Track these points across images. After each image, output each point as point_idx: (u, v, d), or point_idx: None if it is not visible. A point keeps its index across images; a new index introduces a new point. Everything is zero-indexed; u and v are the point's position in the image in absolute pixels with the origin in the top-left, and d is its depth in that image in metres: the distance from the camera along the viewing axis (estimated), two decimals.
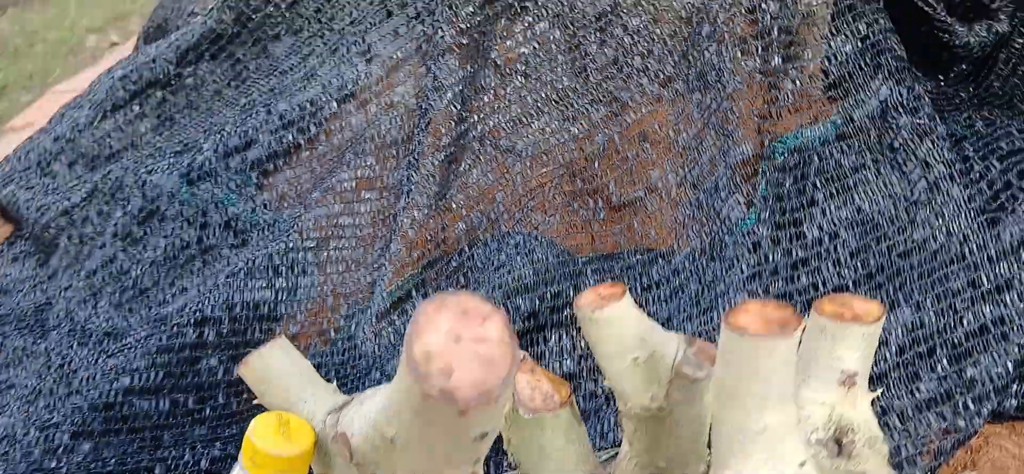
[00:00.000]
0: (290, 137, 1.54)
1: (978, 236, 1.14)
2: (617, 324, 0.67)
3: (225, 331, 1.28)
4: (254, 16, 1.71)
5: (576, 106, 1.41)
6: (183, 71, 1.73)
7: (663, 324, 0.78)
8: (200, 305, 1.30)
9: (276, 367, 0.69)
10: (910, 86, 1.25)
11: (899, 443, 1.09)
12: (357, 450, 0.61)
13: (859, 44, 1.33)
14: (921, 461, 1.07)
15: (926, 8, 1.45)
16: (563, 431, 0.78)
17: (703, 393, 0.69)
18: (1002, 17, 1.52)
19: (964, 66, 1.59)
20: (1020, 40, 1.53)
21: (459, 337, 0.46)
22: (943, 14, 1.45)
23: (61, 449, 1.15)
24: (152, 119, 1.75)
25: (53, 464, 1.15)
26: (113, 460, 1.13)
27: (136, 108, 1.75)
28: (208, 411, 1.20)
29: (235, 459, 0.67)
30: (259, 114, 1.56)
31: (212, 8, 1.72)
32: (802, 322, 0.56)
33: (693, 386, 0.68)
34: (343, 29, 1.63)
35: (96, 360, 1.28)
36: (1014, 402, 1.12)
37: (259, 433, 0.65)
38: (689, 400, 0.69)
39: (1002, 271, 1.12)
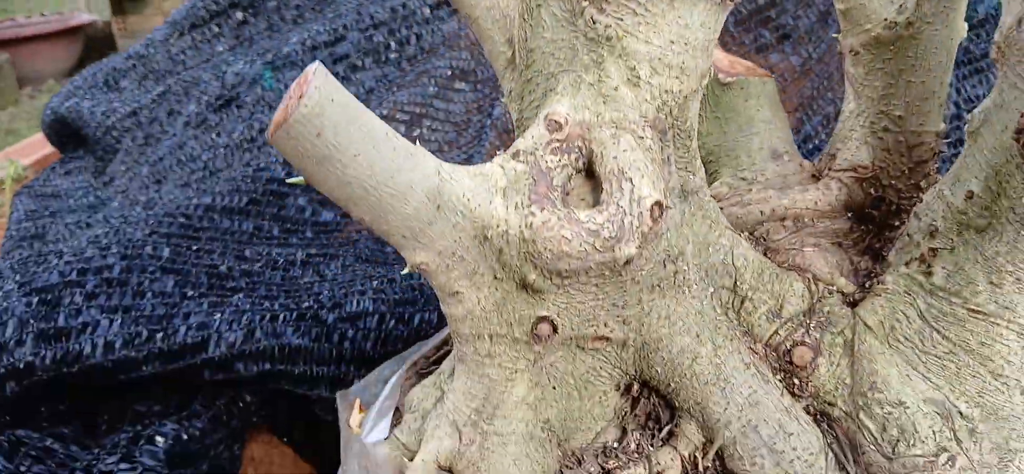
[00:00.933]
0: (380, 37, 1.48)
1: None
2: None
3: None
4: None
5: None
6: (194, 34, 1.71)
7: None
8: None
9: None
10: None
11: None
12: None
13: None
14: None
15: None
16: (769, 102, 0.67)
17: (959, 5, 0.59)
18: None
19: None
20: None
21: None
22: None
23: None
24: (230, 40, 1.71)
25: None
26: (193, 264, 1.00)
27: (214, 27, 1.71)
28: (295, 240, 1.08)
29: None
30: (349, 15, 1.51)
31: None
32: None
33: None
34: None
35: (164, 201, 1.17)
36: None
37: None
38: (942, 16, 0.60)
39: None
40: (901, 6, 0.60)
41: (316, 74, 0.43)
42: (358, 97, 1.46)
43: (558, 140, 0.51)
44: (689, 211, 0.56)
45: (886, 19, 0.60)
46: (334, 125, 0.43)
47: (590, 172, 0.51)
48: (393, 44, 1.49)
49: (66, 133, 1.76)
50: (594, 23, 0.50)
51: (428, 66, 1.39)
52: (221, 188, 1.10)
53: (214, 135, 1.44)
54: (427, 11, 1.51)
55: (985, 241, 0.51)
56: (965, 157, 0.52)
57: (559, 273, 0.50)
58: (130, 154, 1.55)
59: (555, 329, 0.53)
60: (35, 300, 0.82)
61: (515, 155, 0.51)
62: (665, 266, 0.53)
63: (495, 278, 0.51)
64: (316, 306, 0.86)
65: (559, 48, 0.53)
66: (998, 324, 0.50)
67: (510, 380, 0.54)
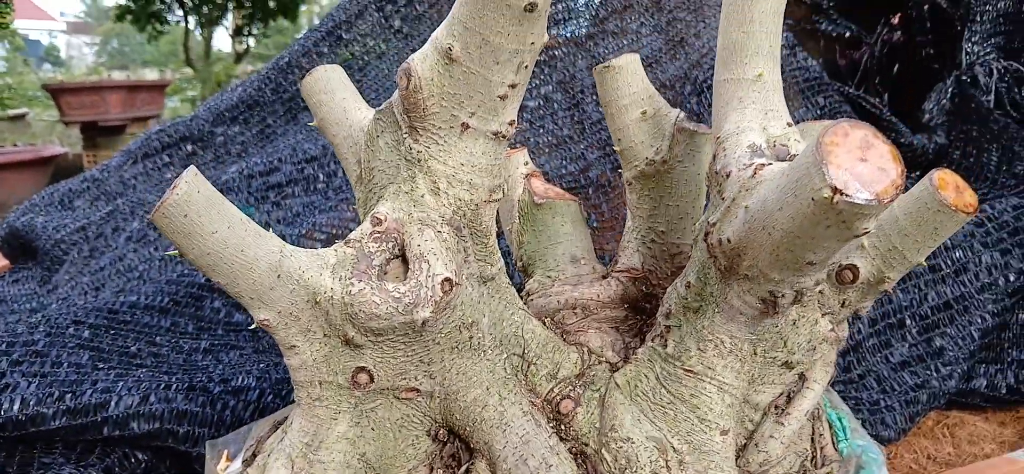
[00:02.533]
0: (310, 170, 1.68)
1: None
2: (628, 73, 0.79)
3: None
4: (290, 89, 1.92)
5: (574, 150, 1.59)
6: (215, 129, 1.91)
7: None
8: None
9: (335, 80, 0.79)
10: None
11: (877, 398, 1.13)
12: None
13: (818, 112, 1.55)
14: (899, 409, 1.10)
15: (872, 109, 1.69)
16: (572, 219, 0.86)
17: (702, 147, 0.79)
18: (940, 132, 1.77)
19: (917, 173, 1.81)
20: (957, 152, 1.76)
21: None
22: (888, 114, 1.69)
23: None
24: (178, 168, 1.89)
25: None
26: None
27: (165, 158, 1.90)
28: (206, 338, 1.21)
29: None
30: (285, 149, 1.71)
31: (252, 79, 1.94)
32: None
33: (693, 140, 0.79)
34: (371, 99, 1.84)
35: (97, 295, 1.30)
36: (983, 382, 1.18)
37: None
38: (690, 155, 0.79)
39: (957, 256, 1.23)
40: (658, 149, 0.79)
41: (189, 173, 0.60)
42: (285, 219, 1.63)
43: (379, 232, 0.68)
44: (487, 292, 0.73)
45: (647, 158, 0.80)
46: (197, 210, 0.60)
47: (403, 257, 0.68)
48: (321, 175, 1.69)
49: (19, 246, 1.89)
50: (410, 149, 0.68)
51: (348, 195, 1.58)
52: (147, 290, 1.24)
53: (152, 249, 1.59)
54: None
55: (697, 319, 0.68)
56: (691, 257, 0.70)
57: (372, 331, 0.65)
58: (74, 264, 1.68)
59: (372, 378, 0.68)
60: None
61: (346, 242, 0.68)
62: (462, 332, 0.69)
63: (324, 335, 0.67)
64: (206, 381, 0.99)
65: (389, 166, 0.71)
66: (704, 380, 0.67)
67: (334, 419, 0.69)
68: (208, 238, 0.61)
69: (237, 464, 0.73)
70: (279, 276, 0.64)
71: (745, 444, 0.70)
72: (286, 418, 0.82)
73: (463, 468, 0.71)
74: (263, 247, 0.64)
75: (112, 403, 0.93)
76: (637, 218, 0.82)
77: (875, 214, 0.51)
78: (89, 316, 1.15)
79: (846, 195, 0.49)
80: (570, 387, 0.72)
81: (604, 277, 0.83)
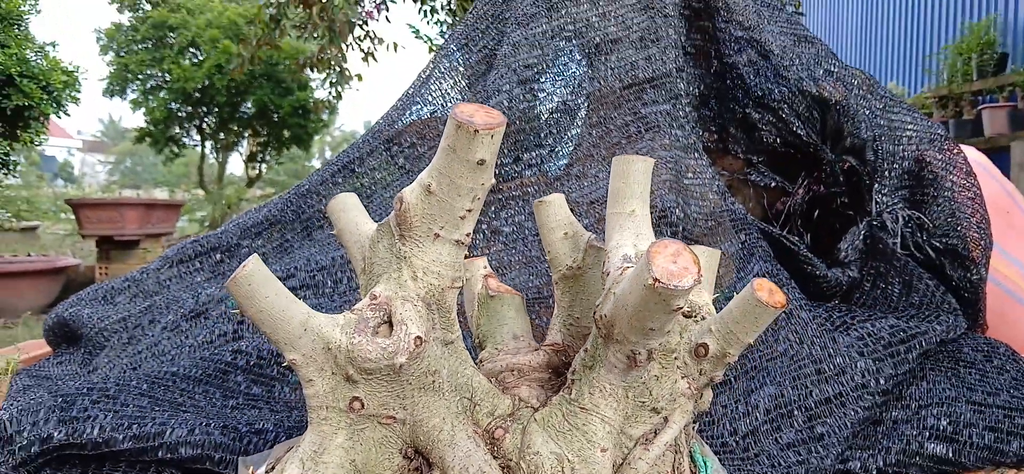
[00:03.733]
0: (321, 277, 2.01)
1: (821, 341, 1.58)
2: (555, 206, 1.13)
3: (252, 363, 1.62)
4: (308, 211, 2.28)
5: (540, 268, 1.92)
6: (242, 242, 2.25)
7: None
8: (234, 345, 1.65)
9: (351, 203, 1.12)
10: (770, 261, 1.79)
11: (765, 472, 1.41)
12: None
13: (739, 246, 1.89)
14: None
15: (791, 246, 2.04)
16: (515, 308, 1.17)
17: (603, 262, 1.12)
18: (853, 267, 2.10)
19: (837, 301, 2.13)
20: (867, 283, 2.09)
21: None
22: (804, 251, 2.03)
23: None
24: (207, 273, 2.22)
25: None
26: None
27: (197, 264, 2.23)
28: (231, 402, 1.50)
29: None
30: (301, 259, 2.05)
31: (276, 202, 2.30)
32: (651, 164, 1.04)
33: (598, 254, 1.12)
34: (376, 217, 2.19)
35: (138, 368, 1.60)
36: (858, 464, 1.46)
37: None
38: (596, 265, 1.12)
39: (838, 362, 1.54)
40: (574, 259, 1.12)
41: (253, 258, 0.93)
42: None
43: (374, 304, 0.99)
44: (447, 352, 1.03)
45: (568, 265, 1.12)
46: (257, 282, 0.92)
47: (390, 323, 0.99)
48: (329, 282, 2.01)
49: (62, 334, 2.19)
50: (399, 250, 1.01)
51: (351, 299, 1.90)
52: (184, 363, 1.54)
53: (184, 337, 1.89)
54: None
55: (590, 373, 0.98)
56: (590, 333, 1.01)
57: (365, 371, 0.95)
58: (114, 349, 1.98)
59: (363, 405, 0.97)
60: (59, 399, 1.23)
61: (352, 311, 0.99)
62: (428, 377, 1.00)
63: (332, 373, 0.97)
64: (235, 424, 1.27)
65: (384, 261, 1.03)
66: (591, 414, 0.97)
67: (334, 433, 0.98)
68: (261, 300, 0.93)
69: (261, 471, 1.02)
70: (305, 329, 0.95)
71: (621, 464, 0.99)
72: (298, 445, 1.11)
73: None
74: (296, 310, 0.95)
75: (166, 433, 1.21)
76: (561, 308, 1.14)
77: (681, 296, 0.83)
78: (143, 380, 1.44)
79: (661, 282, 0.81)
80: (503, 421, 1.01)
81: (536, 349, 1.14)
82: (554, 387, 1.10)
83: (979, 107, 6.91)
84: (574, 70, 2.20)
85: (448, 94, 2.33)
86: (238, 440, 1.25)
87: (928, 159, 2.15)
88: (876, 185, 2.22)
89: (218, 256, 2.24)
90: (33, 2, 4.67)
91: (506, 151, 2.11)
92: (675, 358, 1.02)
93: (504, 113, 2.07)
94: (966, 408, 1.53)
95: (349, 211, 1.13)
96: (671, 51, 2.14)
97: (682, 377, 1.03)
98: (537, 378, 1.10)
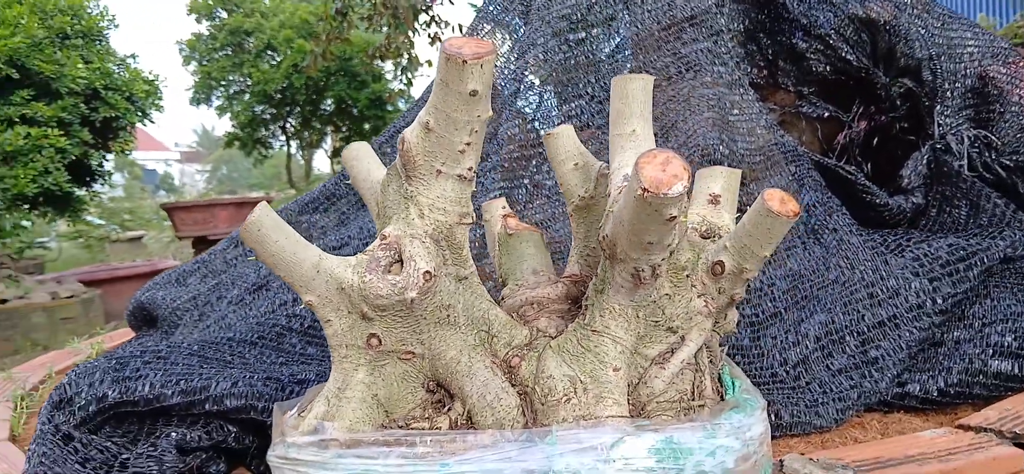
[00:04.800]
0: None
1: (873, 264, 1.51)
2: (565, 137, 1.12)
3: (306, 325, 1.69)
4: None
5: None
6: (301, 218, 2.33)
7: None
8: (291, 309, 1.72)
9: (364, 152, 1.15)
10: (821, 190, 1.72)
11: (817, 398, 1.36)
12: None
13: (790, 177, 1.82)
14: (832, 405, 1.33)
15: (848, 175, 1.95)
16: (535, 244, 1.18)
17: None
18: (917, 193, 2.00)
19: (899, 231, 2.03)
20: (933, 209, 1.99)
21: None
22: (862, 180, 1.94)
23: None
24: None
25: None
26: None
27: None
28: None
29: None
30: (354, 230, 2.11)
31: (333, 179, 2.37)
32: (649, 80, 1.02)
33: (607, 183, 1.10)
34: None
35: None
36: (916, 387, 1.39)
37: None
38: (606, 192, 1.11)
39: (892, 284, 1.47)
40: (586, 189, 1.11)
41: (261, 205, 0.96)
42: None
43: (385, 244, 1.02)
44: (462, 287, 1.05)
45: (580, 195, 1.12)
46: (267, 227, 0.96)
47: (401, 261, 1.01)
48: None
49: (142, 318, 2.34)
50: (406, 189, 1.03)
51: None
52: (240, 327, 1.61)
53: (247, 309, 1.98)
54: None
55: (601, 297, 0.98)
56: (601, 258, 1.01)
57: (378, 307, 0.98)
58: (186, 326, 2.10)
59: (380, 341, 1.00)
60: (112, 361, 1.32)
61: (364, 252, 1.02)
62: (441, 311, 1.01)
63: (348, 312, 1.00)
64: (279, 377, 1.33)
65: (394, 201, 1.06)
66: (603, 336, 0.96)
67: (355, 370, 1.01)
68: (272, 245, 0.97)
69: (294, 411, 1.06)
70: (318, 271, 0.99)
71: (637, 382, 0.98)
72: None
73: (447, 407, 1.02)
74: (308, 252, 0.99)
75: (212, 386, 1.28)
76: (577, 239, 1.14)
77: (673, 204, 0.81)
78: (196, 342, 1.53)
79: (650, 191, 0.80)
80: (519, 351, 1.02)
81: (555, 282, 1.14)
82: (573, 317, 1.09)
83: None
84: (611, 17, 2.17)
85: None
86: (280, 391, 1.31)
87: (992, 74, 2.01)
88: (938, 106, 2.10)
89: None
90: (111, 17, 4.95)
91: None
92: (688, 276, 1.00)
93: (540, 66, 2.07)
94: None
95: (362, 159, 1.15)
96: None
97: (698, 296, 1.01)
98: (557, 309, 1.10)
